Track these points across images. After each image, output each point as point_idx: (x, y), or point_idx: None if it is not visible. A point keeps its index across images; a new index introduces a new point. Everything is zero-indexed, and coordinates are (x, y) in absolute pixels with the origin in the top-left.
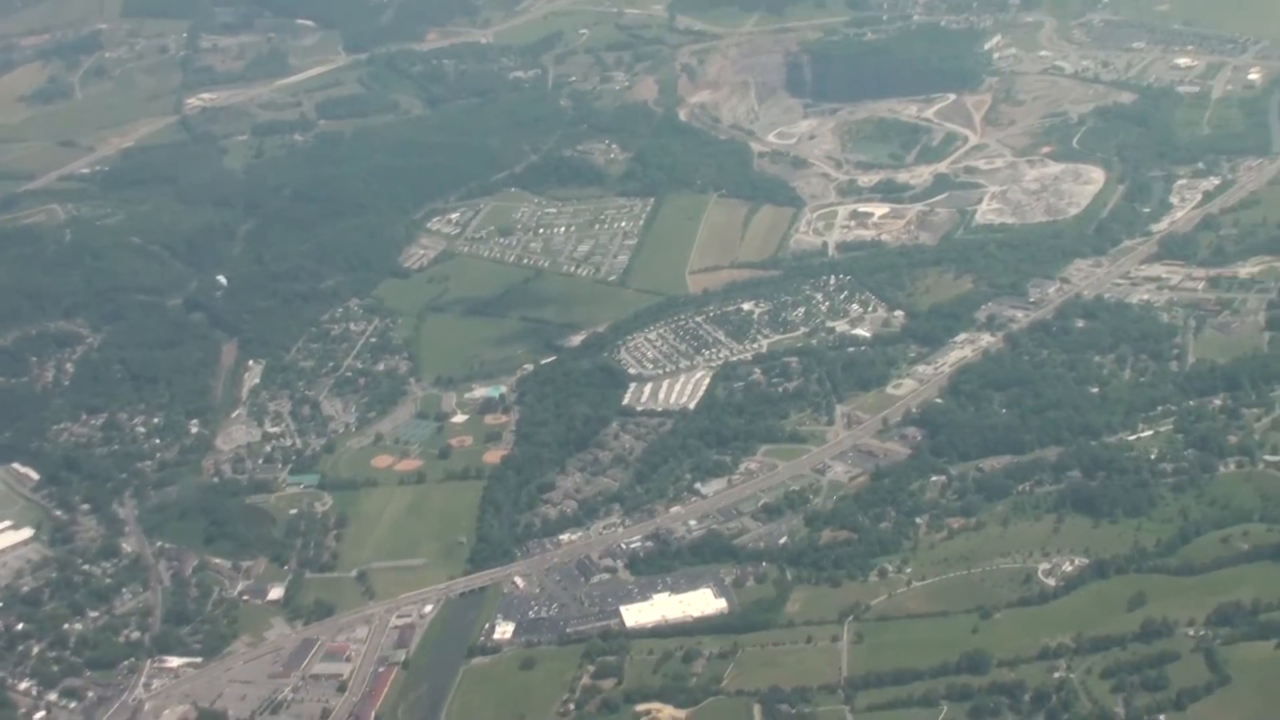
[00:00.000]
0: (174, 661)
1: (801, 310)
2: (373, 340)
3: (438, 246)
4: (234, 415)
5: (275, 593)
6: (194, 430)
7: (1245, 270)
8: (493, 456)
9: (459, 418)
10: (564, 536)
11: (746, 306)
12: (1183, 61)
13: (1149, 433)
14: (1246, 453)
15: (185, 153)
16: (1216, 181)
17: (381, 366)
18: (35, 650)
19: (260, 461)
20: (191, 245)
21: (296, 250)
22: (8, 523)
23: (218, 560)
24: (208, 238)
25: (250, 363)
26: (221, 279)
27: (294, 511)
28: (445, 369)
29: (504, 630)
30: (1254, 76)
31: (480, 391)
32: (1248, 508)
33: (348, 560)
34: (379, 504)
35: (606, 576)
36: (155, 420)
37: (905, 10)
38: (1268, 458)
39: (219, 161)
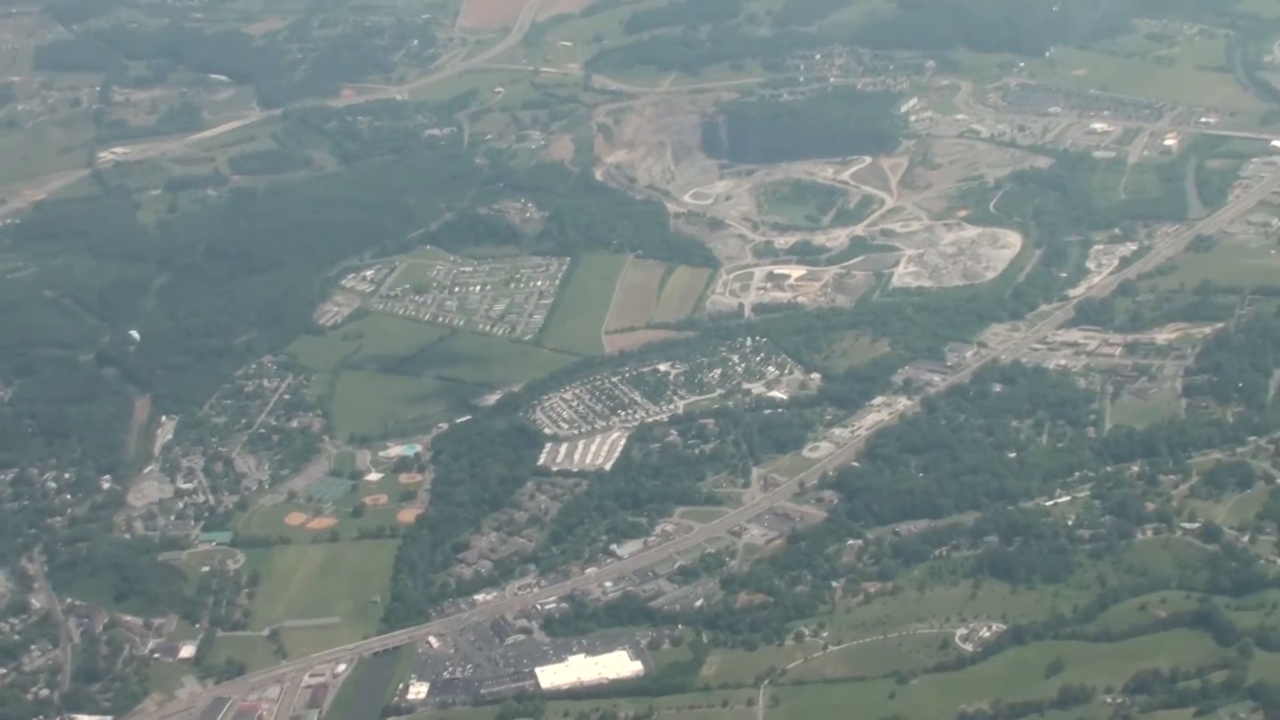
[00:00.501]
0: None
1: (718, 372)
2: (286, 397)
3: (352, 304)
4: (146, 471)
5: (187, 651)
6: (105, 486)
7: (1162, 337)
8: (407, 515)
9: (373, 476)
10: (479, 597)
11: (663, 368)
12: (1099, 127)
13: (1066, 499)
14: (1164, 520)
15: (98, 206)
16: (1133, 247)
17: (295, 424)
18: None
19: (172, 518)
20: (104, 300)
21: (210, 306)
22: None
23: (129, 617)
24: (120, 292)
25: (163, 418)
26: (134, 334)
27: (206, 569)
28: (360, 427)
29: (418, 690)
30: (1170, 142)
31: (395, 450)
32: (1165, 575)
33: (260, 619)
34: (292, 562)
35: (521, 637)
36: (66, 475)
37: (821, 72)
38: (1185, 525)
39: (132, 216)
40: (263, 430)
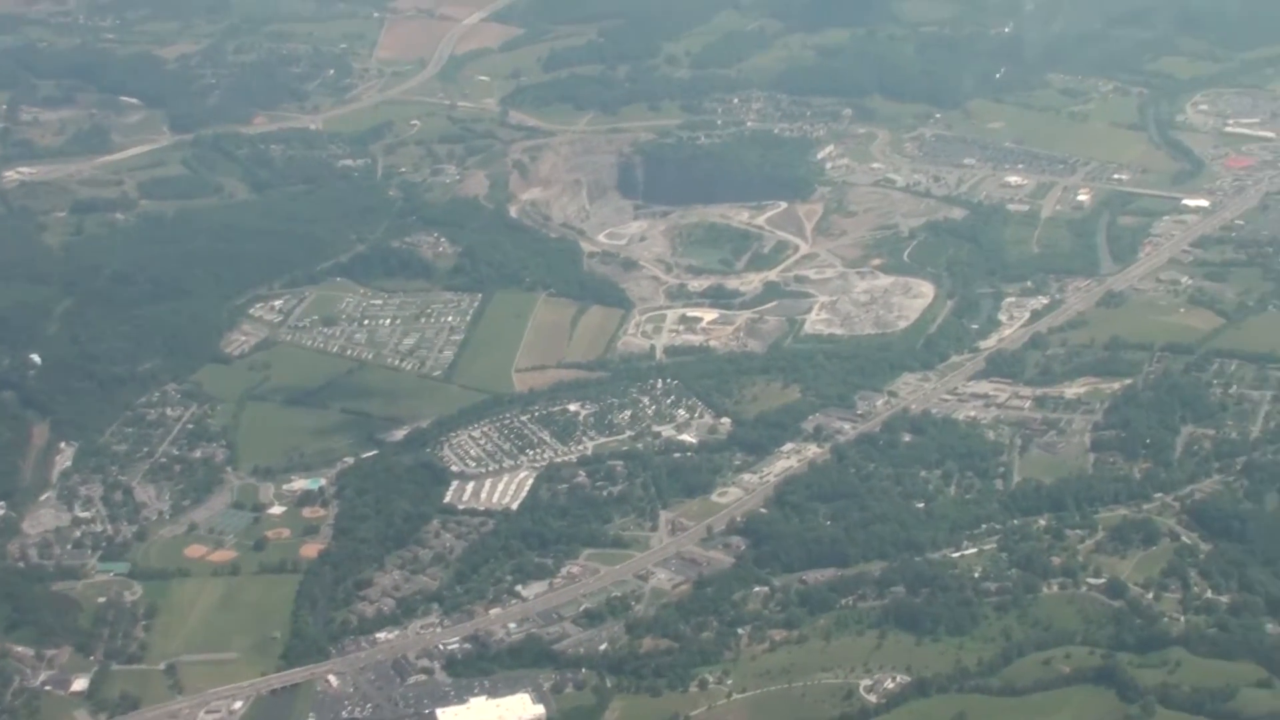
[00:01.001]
0: None
1: (628, 413)
2: (190, 427)
3: (260, 334)
4: (42, 498)
5: (80, 684)
6: (0, 513)
7: (1071, 391)
8: (310, 550)
9: (276, 509)
10: (380, 635)
11: (572, 407)
12: (1013, 180)
13: (973, 550)
14: (1070, 574)
15: (1, 227)
16: (1045, 301)
17: (198, 454)
18: None
19: (69, 547)
20: (4, 322)
21: (114, 331)
22: None
23: (20, 648)
24: (22, 315)
25: (62, 445)
26: (35, 358)
27: (102, 600)
28: (263, 459)
29: None
30: (1083, 197)
31: (299, 483)
32: (1070, 630)
33: (156, 652)
34: (190, 595)
35: (423, 678)
36: None
37: (739, 116)
38: (1091, 580)
39: (36, 237)
40: (164, 460)
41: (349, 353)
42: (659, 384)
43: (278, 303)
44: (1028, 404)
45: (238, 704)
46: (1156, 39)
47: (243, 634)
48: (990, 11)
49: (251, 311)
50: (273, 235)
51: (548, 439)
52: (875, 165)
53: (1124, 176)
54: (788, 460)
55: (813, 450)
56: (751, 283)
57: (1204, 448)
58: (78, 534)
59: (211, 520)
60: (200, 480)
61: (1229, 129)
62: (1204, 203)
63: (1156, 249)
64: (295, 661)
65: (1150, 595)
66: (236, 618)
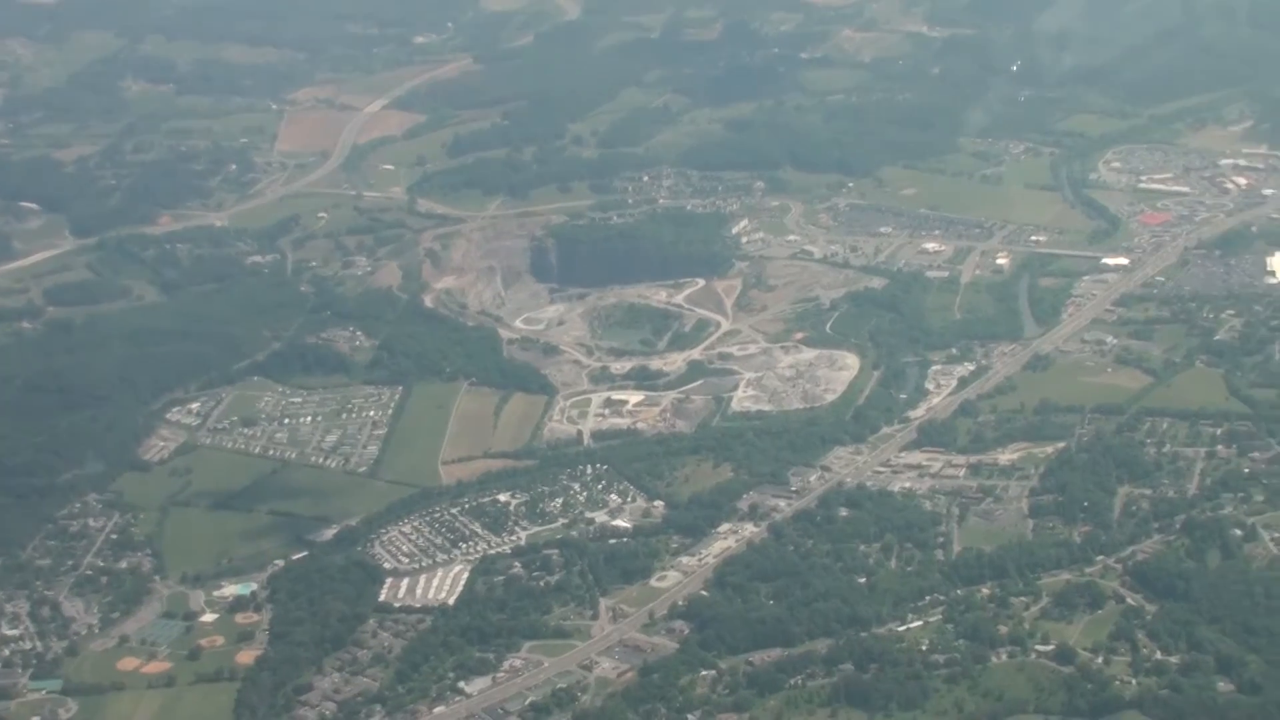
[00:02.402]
0: None
1: (559, 501)
2: (113, 536)
3: (179, 438)
4: None
5: None
6: None
7: (1005, 457)
8: (246, 657)
9: (208, 617)
10: None
11: (503, 498)
12: (931, 246)
13: (919, 623)
14: (1018, 642)
15: None
16: (971, 367)
17: (124, 564)
18: None
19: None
20: None
21: (29, 443)
22: None
23: None
24: None
25: None
26: None
27: (37, 719)
28: (192, 566)
29: None
30: (1002, 261)
31: (230, 589)
32: (1022, 698)
33: None
34: (127, 709)
35: None
36: None
37: (650, 194)
38: (1039, 647)
39: None
40: (90, 571)
41: (271, 453)
42: (589, 469)
43: (195, 405)
44: (962, 472)
45: None
46: (1065, 98)
47: None
48: (896, 78)
49: (168, 416)
50: (185, 336)
51: (480, 531)
52: (791, 238)
53: (1041, 238)
54: (725, 541)
55: (750, 529)
56: (675, 362)
57: (1142, 508)
58: (6, 652)
59: (143, 631)
60: (128, 591)
61: (1143, 185)
62: (1123, 261)
63: (1079, 309)
64: None
65: (1100, 659)
66: None
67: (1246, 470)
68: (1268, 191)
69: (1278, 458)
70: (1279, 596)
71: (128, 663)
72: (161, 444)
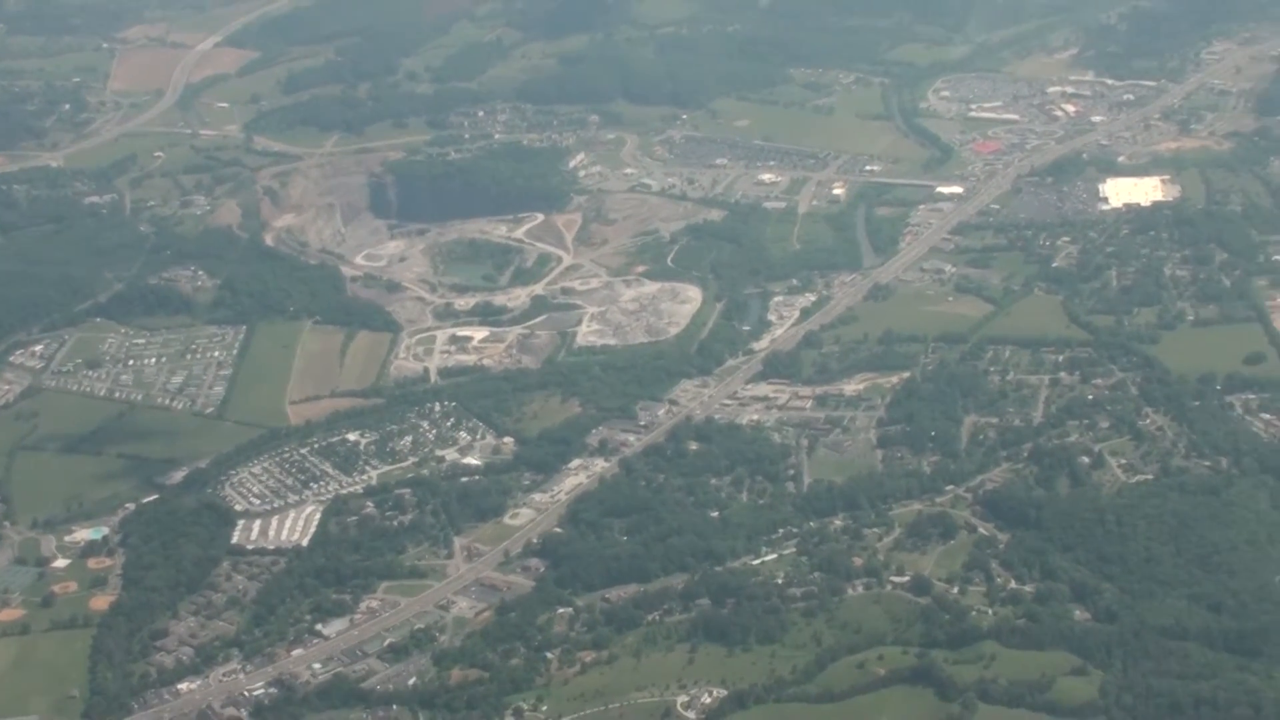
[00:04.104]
0: None
1: (409, 439)
2: None
3: (23, 381)
4: None
5: None
6: None
7: (850, 388)
8: (100, 603)
9: (60, 563)
10: (182, 686)
11: (352, 437)
12: (767, 178)
13: (773, 556)
14: (873, 574)
15: None
16: (813, 298)
17: None
18: None
19: None
20: None
21: None
22: None
23: None
24: None
25: None
26: None
27: None
28: (42, 511)
29: None
30: (838, 191)
31: (81, 533)
32: (880, 630)
33: None
34: None
35: None
36: None
37: (486, 129)
38: (894, 579)
39: None
40: None
41: (117, 395)
42: (437, 407)
43: (38, 348)
44: (809, 404)
45: None
46: (893, 27)
47: (40, 694)
48: (726, 10)
49: (11, 359)
50: (25, 279)
51: (330, 471)
52: (628, 171)
53: (876, 167)
54: (577, 477)
55: (600, 465)
56: (518, 298)
57: (989, 437)
58: None
59: None
60: None
61: (973, 113)
62: (958, 189)
63: (917, 238)
64: (98, 718)
65: (955, 590)
66: (32, 678)
67: (1090, 397)
68: (1096, 118)
69: (1120, 384)
70: (1130, 524)
71: None
72: (6, 387)
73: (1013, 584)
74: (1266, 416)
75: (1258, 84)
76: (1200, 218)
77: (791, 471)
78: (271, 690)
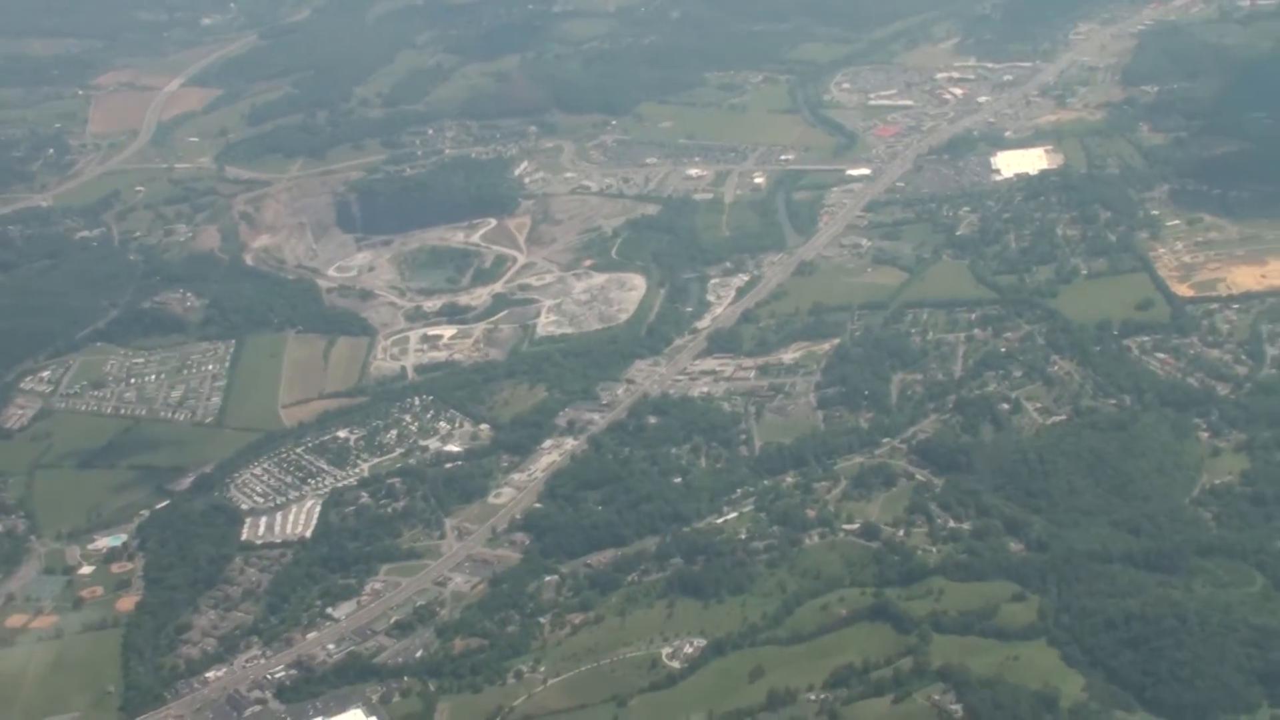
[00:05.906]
0: None
1: (394, 433)
2: None
3: (35, 405)
4: None
5: None
6: None
7: (788, 356)
8: (126, 604)
9: (86, 569)
10: (210, 674)
11: (342, 434)
12: (694, 172)
13: (734, 514)
14: (826, 524)
15: None
16: (746, 278)
17: (0, 527)
18: None
19: None
20: None
21: None
22: None
23: None
24: None
25: None
26: None
27: None
28: (64, 523)
29: None
30: (758, 180)
31: (102, 542)
32: (838, 574)
33: None
34: (19, 664)
35: (259, 708)
36: None
37: (436, 146)
38: (846, 527)
39: None
40: None
41: (123, 411)
42: (416, 401)
43: (45, 374)
44: (753, 374)
45: None
46: (793, 30)
47: (79, 692)
48: (642, 24)
49: (22, 385)
50: (28, 311)
51: (325, 466)
52: (569, 175)
53: (790, 156)
54: (550, 456)
55: (570, 443)
56: (480, 296)
57: (916, 392)
58: None
59: (26, 589)
60: (7, 552)
61: (872, 102)
62: (866, 171)
63: (833, 218)
64: (135, 711)
65: (901, 533)
66: (70, 678)
67: (1003, 349)
68: (982, 99)
69: (1028, 335)
70: (1051, 461)
71: (15, 620)
72: (20, 412)
73: (951, 523)
74: (1161, 356)
75: (1122, 58)
76: (1084, 182)
77: (743, 436)
78: (292, 672)
